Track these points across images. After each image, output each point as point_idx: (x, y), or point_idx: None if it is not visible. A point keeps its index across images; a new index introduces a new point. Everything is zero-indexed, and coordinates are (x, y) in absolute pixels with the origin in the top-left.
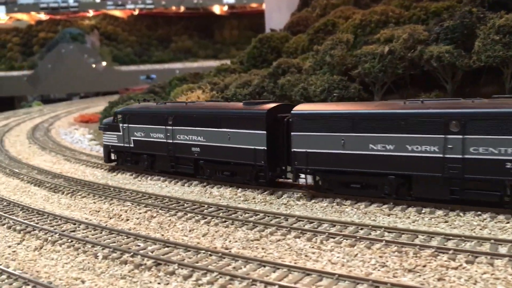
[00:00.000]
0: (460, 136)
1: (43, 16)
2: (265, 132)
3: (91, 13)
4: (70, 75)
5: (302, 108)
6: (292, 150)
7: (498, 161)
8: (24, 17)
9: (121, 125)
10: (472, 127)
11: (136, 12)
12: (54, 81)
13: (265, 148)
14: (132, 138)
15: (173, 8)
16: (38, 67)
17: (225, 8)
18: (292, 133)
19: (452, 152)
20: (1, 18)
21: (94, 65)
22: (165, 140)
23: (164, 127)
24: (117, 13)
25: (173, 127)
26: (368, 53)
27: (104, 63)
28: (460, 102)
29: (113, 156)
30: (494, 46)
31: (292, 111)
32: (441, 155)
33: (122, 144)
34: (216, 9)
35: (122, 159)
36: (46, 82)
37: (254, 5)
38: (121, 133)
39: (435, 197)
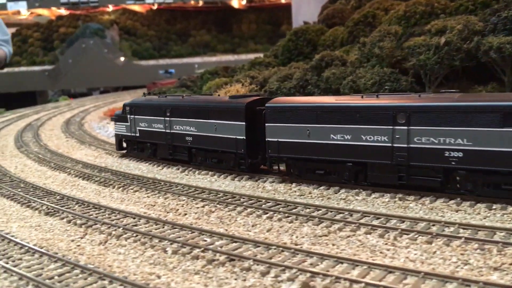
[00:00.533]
0: (406, 127)
1: (63, 11)
2: (244, 123)
3: (110, 8)
4: (90, 70)
5: (275, 101)
6: (266, 139)
7: (438, 150)
8: (45, 13)
9: (128, 116)
10: (415, 119)
11: (155, 7)
12: (74, 76)
13: (245, 137)
14: (137, 128)
15: (192, 2)
16: (59, 62)
17: (244, 2)
18: (266, 124)
19: (399, 142)
20: (23, 14)
21: (114, 60)
22: (164, 130)
23: (163, 118)
24: (136, 7)
25: (171, 118)
26: (422, 45)
27: (123, 58)
28: (409, 96)
29: (124, 145)
30: None
31: (266, 104)
32: (390, 145)
33: (130, 134)
34: (235, 3)
35: (130, 147)
36: (66, 77)
37: None
38: (128, 124)
39: (387, 183)
